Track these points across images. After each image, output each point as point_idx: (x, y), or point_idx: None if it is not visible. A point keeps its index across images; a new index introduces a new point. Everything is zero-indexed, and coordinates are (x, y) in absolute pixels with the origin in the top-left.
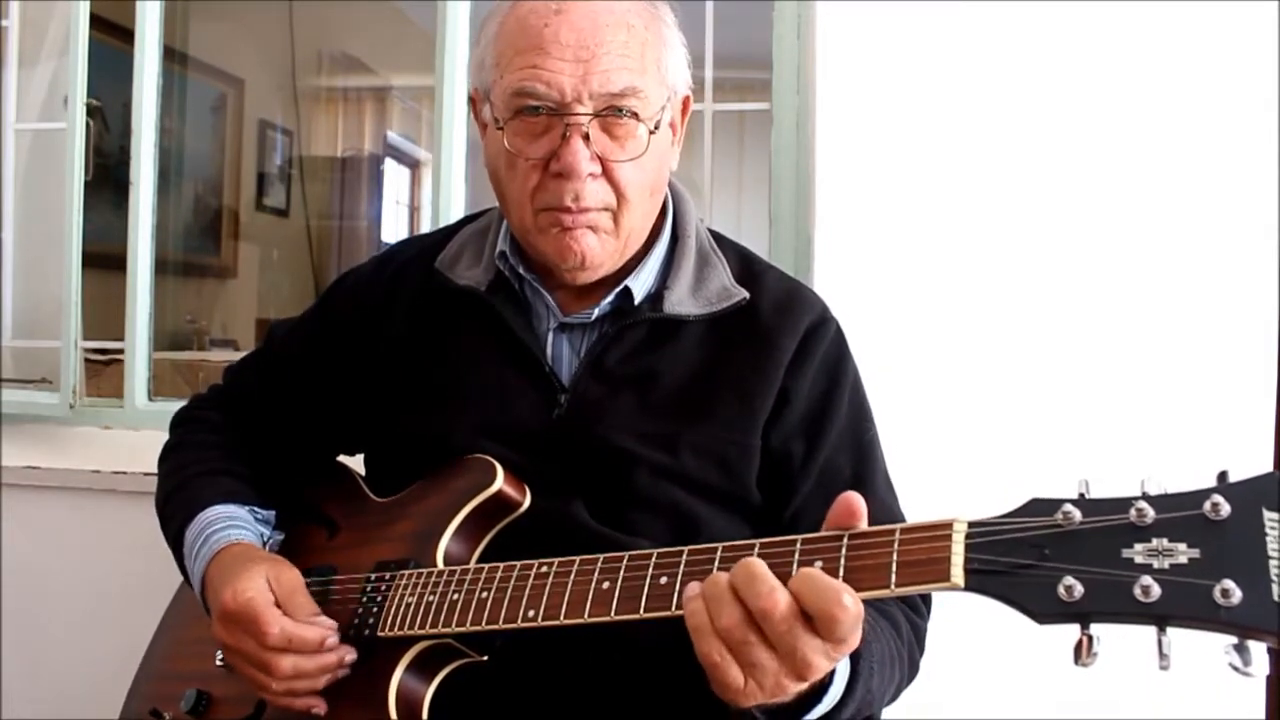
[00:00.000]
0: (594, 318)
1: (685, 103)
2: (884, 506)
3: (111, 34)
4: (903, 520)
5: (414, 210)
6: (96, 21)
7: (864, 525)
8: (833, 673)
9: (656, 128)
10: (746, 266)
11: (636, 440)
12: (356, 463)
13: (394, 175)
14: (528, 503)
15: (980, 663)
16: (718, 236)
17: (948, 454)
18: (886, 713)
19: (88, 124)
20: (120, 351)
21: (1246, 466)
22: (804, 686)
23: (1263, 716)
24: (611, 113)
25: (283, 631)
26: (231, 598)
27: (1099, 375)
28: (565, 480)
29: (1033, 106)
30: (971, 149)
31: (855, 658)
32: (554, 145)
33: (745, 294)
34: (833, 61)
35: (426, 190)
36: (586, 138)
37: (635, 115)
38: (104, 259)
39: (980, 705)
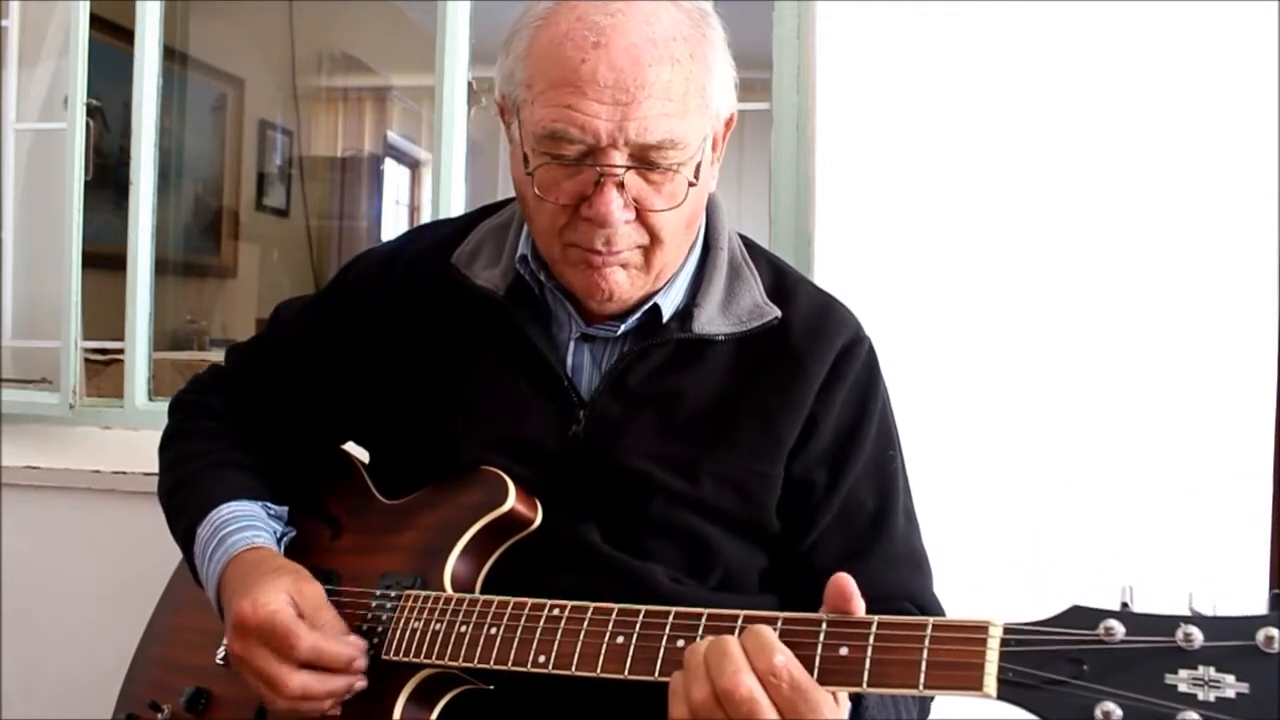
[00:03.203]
0: (619, 333)
1: (729, 120)
2: (905, 544)
3: (111, 34)
4: (924, 556)
5: (414, 210)
6: (96, 21)
7: (859, 608)
8: None
9: (697, 175)
10: (779, 281)
11: (655, 464)
12: (362, 452)
13: (394, 175)
14: (539, 521)
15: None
16: (750, 246)
17: (947, 455)
18: None
19: (88, 124)
20: (120, 351)
21: (1247, 467)
22: None
23: None
24: (647, 164)
25: (312, 647)
26: (251, 610)
27: (1099, 371)
28: (579, 500)
29: (1033, 106)
30: (972, 149)
31: None
32: (585, 189)
33: (777, 313)
34: (833, 61)
35: (426, 190)
36: (620, 185)
37: (674, 167)
38: (104, 259)
39: None
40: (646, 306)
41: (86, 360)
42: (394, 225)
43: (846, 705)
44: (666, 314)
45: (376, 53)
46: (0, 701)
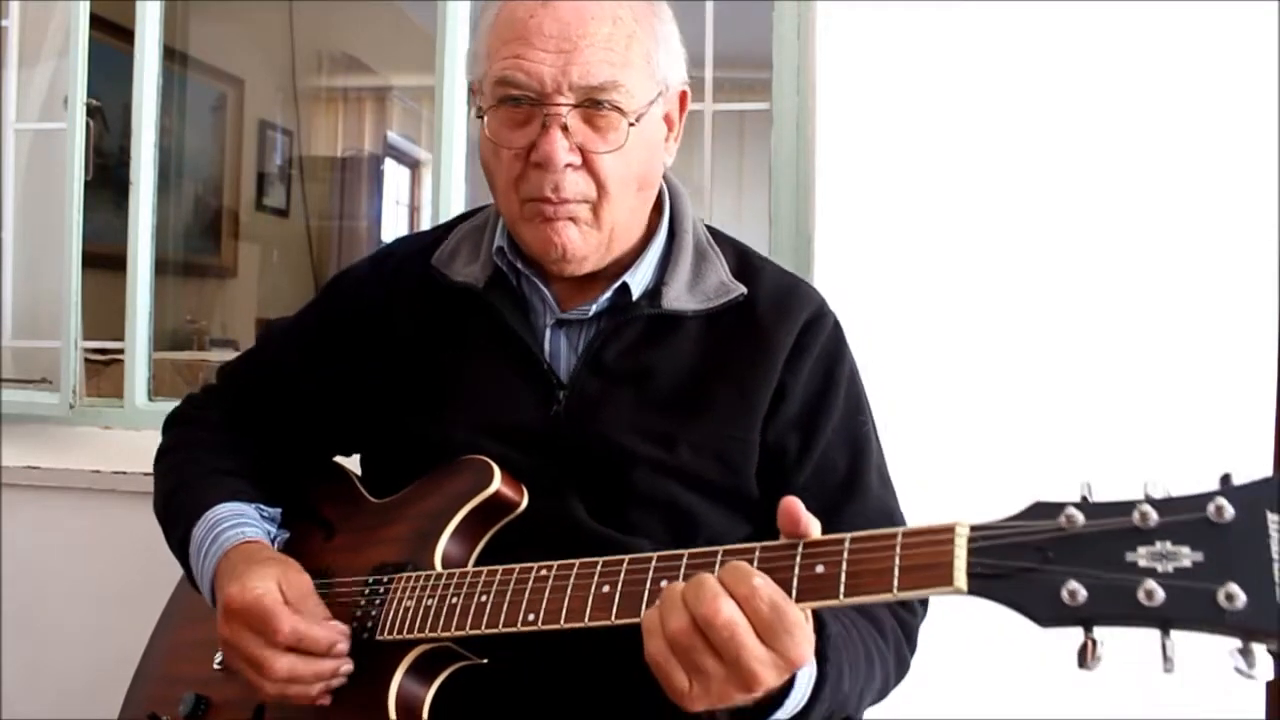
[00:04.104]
0: (591, 314)
1: (683, 98)
2: (878, 502)
3: (111, 34)
4: (898, 514)
5: (414, 210)
6: (96, 21)
7: (812, 528)
8: (794, 678)
9: (638, 120)
10: (744, 262)
11: (635, 437)
12: (352, 463)
13: (394, 175)
14: (525, 503)
15: (980, 664)
16: (715, 233)
17: (948, 453)
18: (880, 712)
19: (88, 124)
20: (120, 351)
21: (1247, 465)
22: (755, 696)
23: (1263, 717)
24: (591, 105)
25: (294, 630)
26: (239, 593)
27: (1099, 374)
28: (563, 478)
29: (1033, 106)
30: (971, 149)
31: (821, 660)
32: (534, 135)
33: (743, 289)
34: (833, 61)
35: (426, 190)
36: (565, 129)
37: (617, 108)
38: (104, 259)
39: (981, 707)
40: (615, 286)
41: (86, 360)
42: (394, 225)
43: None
44: (636, 293)
45: (376, 53)
46: (0, 701)
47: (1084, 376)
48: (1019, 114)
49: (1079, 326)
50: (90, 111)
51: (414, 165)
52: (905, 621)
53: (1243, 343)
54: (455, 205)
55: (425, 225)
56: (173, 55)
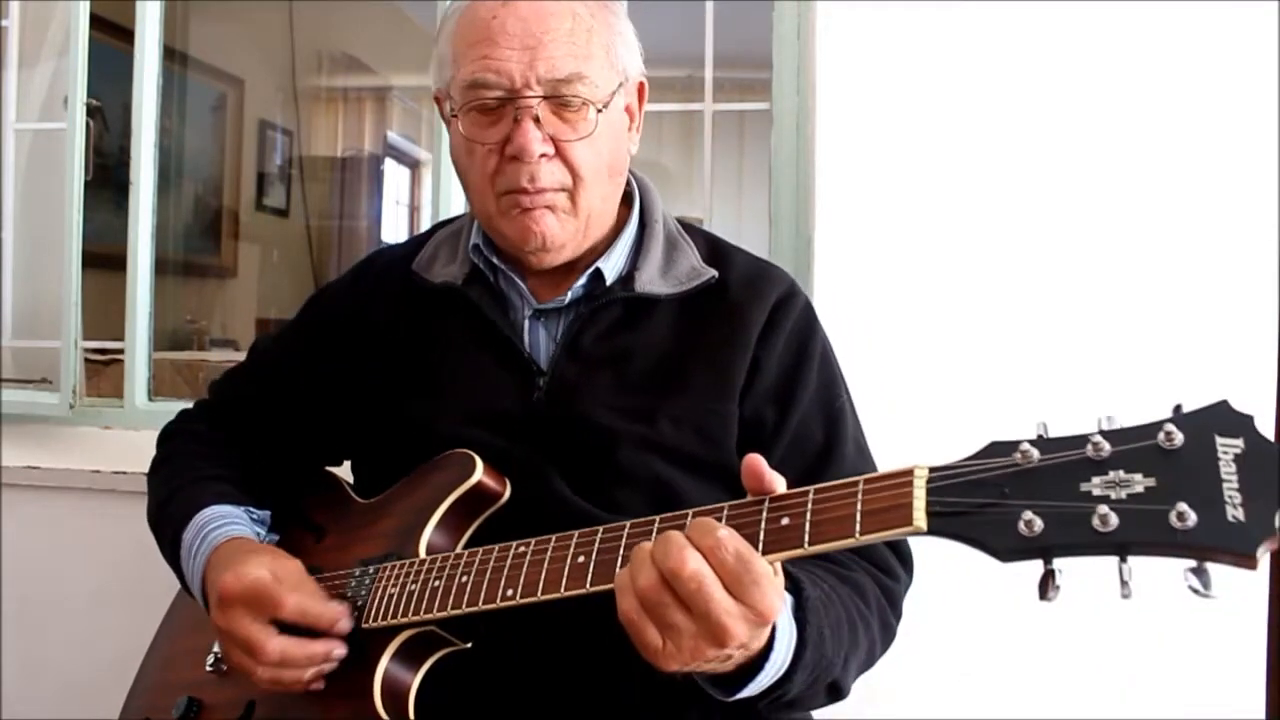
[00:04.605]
0: (568, 301)
1: (641, 89)
2: (853, 470)
3: (111, 34)
4: None
5: (414, 210)
6: (96, 21)
7: (776, 483)
8: (774, 642)
9: (604, 108)
10: (714, 249)
11: (615, 415)
12: (343, 471)
13: (394, 175)
14: (508, 493)
15: (981, 665)
16: (684, 224)
17: (948, 451)
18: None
19: (88, 124)
20: (120, 351)
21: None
22: (729, 653)
23: (1263, 717)
24: (560, 97)
25: (298, 605)
26: (234, 579)
27: (1103, 377)
28: (547, 462)
29: (1032, 106)
30: (971, 149)
31: (802, 624)
32: (507, 130)
33: (714, 273)
34: (833, 61)
35: (426, 190)
36: (537, 120)
37: (584, 99)
38: (104, 259)
39: (980, 706)
40: (589, 273)
41: (86, 360)
42: (394, 225)
43: (789, 598)
44: (610, 279)
45: (376, 53)
46: (0, 701)
47: (1084, 371)
48: (1019, 114)
49: (1079, 323)
50: (90, 111)
51: (414, 165)
52: (888, 588)
53: (1242, 346)
54: (455, 205)
55: (425, 225)
56: (173, 55)
